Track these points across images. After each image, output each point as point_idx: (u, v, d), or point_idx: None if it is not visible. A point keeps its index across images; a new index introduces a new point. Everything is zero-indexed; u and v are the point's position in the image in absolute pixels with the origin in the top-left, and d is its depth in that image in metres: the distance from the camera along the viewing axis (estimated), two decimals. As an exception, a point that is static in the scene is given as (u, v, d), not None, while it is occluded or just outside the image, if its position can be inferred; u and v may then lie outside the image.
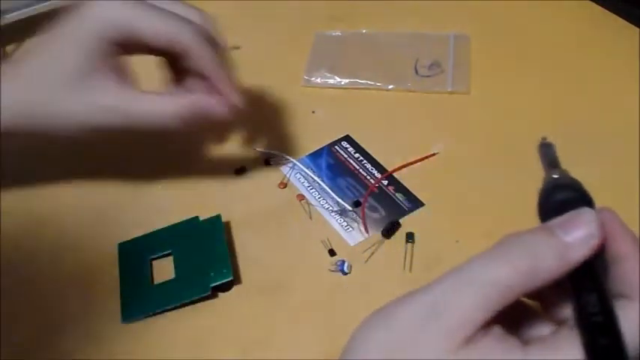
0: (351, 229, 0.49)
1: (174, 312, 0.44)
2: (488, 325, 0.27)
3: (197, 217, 0.49)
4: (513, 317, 0.29)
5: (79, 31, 0.43)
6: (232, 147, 0.55)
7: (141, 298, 0.45)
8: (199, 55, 0.44)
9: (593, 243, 0.28)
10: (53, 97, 0.44)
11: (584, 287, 0.28)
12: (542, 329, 0.30)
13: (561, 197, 0.30)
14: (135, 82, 0.46)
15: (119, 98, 0.44)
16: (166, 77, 0.48)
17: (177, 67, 0.47)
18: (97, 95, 0.44)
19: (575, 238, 0.28)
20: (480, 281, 0.27)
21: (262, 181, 0.53)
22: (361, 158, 0.54)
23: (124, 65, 0.45)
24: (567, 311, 0.29)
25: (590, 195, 0.30)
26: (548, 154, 0.33)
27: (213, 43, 0.45)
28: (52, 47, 0.44)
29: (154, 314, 0.44)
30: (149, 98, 0.45)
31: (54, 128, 0.45)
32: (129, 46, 0.45)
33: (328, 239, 0.48)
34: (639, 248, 0.29)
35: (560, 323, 0.30)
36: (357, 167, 0.53)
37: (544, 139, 0.34)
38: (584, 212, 0.29)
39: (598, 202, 0.49)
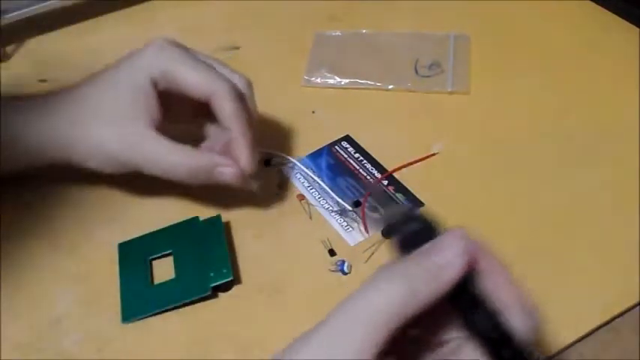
0: (351, 229, 0.49)
1: (174, 312, 0.44)
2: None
3: (197, 217, 0.49)
4: (403, 349, 0.30)
5: (130, 74, 0.46)
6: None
7: (141, 298, 0.45)
8: (227, 113, 0.46)
9: (463, 261, 0.29)
10: (93, 133, 0.46)
11: (468, 306, 0.30)
12: (431, 355, 0.31)
13: (413, 228, 0.32)
14: (164, 126, 0.47)
15: (143, 138, 0.46)
16: (193, 126, 0.50)
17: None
18: (128, 130, 0.46)
19: (444, 259, 0.29)
20: (364, 314, 0.28)
21: (262, 181, 0.53)
22: (361, 158, 0.54)
23: (156, 109, 0.47)
24: (451, 333, 0.31)
25: (435, 219, 0.32)
26: (378, 195, 0.35)
27: (244, 105, 0.47)
28: (103, 88, 0.47)
29: (154, 314, 0.44)
30: (169, 146, 0.46)
31: (86, 162, 0.47)
32: (169, 96, 0.47)
33: (328, 239, 0.48)
34: (497, 263, 0.31)
35: (443, 345, 0.31)
36: (357, 167, 0.53)
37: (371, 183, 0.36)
38: (448, 235, 0.30)
39: (598, 202, 0.49)
